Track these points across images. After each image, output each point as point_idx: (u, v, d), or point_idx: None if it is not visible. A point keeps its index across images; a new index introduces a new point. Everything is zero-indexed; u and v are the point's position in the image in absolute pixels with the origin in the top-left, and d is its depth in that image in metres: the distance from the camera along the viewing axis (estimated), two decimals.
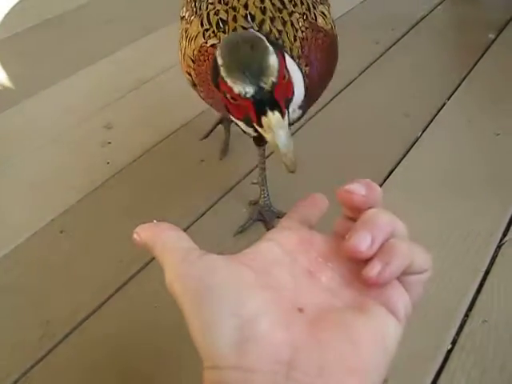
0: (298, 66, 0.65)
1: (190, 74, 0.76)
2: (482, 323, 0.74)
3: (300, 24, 0.70)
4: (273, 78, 0.55)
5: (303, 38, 0.69)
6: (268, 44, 0.56)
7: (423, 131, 1.12)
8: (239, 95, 0.56)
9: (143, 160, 1.09)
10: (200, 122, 1.17)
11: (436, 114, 1.17)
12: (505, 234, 0.87)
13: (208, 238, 0.89)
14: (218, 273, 0.32)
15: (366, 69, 1.34)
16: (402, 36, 1.49)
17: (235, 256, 0.35)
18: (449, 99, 1.22)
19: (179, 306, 0.32)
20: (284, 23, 0.69)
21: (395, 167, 1.03)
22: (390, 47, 1.44)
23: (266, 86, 0.55)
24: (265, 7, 0.70)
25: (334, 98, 1.23)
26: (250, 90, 0.55)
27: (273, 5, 0.71)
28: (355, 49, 1.37)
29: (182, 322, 0.32)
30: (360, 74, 1.32)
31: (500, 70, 1.31)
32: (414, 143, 1.09)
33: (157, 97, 1.28)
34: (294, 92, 0.60)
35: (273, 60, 0.55)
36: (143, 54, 1.46)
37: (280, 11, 0.70)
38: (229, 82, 0.56)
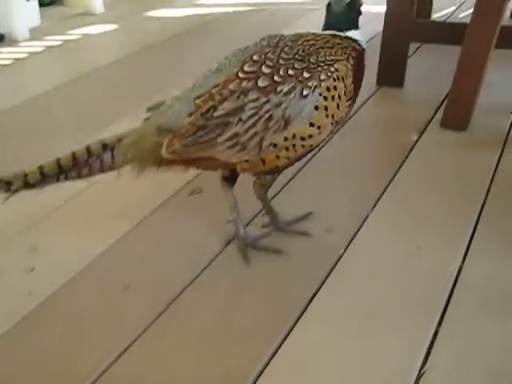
0: None
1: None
2: None
3: None
4: None
5: None
6: None
7: (346, 247, 1.12)
8: None
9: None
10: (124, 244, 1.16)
11: (359, 228, 1.17)
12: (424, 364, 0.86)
13: None
14: None
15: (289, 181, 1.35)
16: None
17: None
18: (372, 209, 1.23)
19: None
20: None
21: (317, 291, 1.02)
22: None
23: None
24: None
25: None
26: None
27: None
28: None
29: None
30: (282, 188, 1.32)
31: (422, 175, 1.35)
32: (336, 263, 1.09)
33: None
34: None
35: None
36: None
37: None
38: None
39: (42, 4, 3.08)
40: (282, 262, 1.09)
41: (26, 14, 2.63)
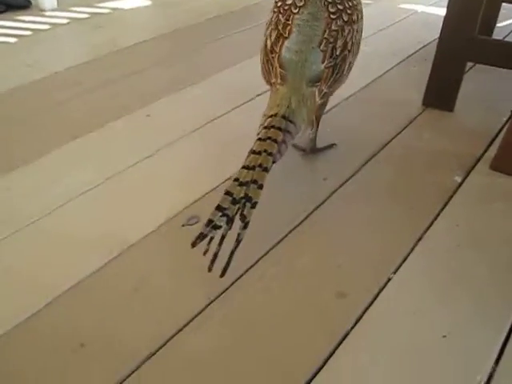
0: None
1: None
2: None
3: None
4: None
5: None
6: None
7: (358, 320, 0.91)
8: None
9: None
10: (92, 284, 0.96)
11: (377, 295, 0.96)
12: None
13: None
14: None
15: (292, 230, 1.14)
16: (355, 172, 1.29)
17: None
18: (396, 272, 1.01)
19: None
20: None
21: (318, 371, 0.83)
22: (340, 187, 1.24)
23: None
24: None
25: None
26: None
27: None
28: (299, 186, 1.22)
29: None
30: (290, 232, 1.11)
31: (463, 231, 1.13)
32: (345, 337, 0.89)
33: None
34: None
35: None
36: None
37: None
38: None
39: None
40: (284, 330, 0.90)
41: None
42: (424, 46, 2.01)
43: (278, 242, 1.07)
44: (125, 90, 1.67)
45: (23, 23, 2.24)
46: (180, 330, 0.89)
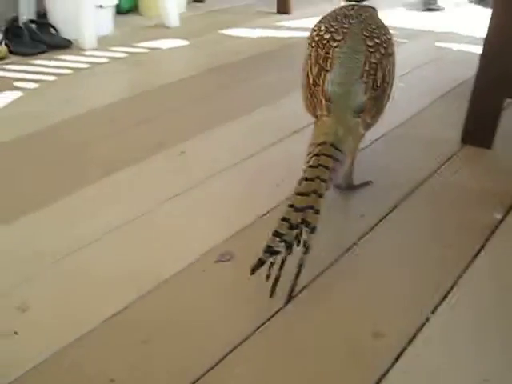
0: None
1: None
2: None
3: None
4: None
5: None
6: None
7: (396, 360, 0.88)
8: None
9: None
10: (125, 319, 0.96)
11: (414, 336, 0.93)
12: None
13: None
14: None
15: (327, 268, 1.11)
16: (392, 209, 1.27)
17: None
18: (434, 312, 0.98)
19: None
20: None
21: None
22: (377, 224, 1.22)
23: None
24: None
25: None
26: None
27: None
28: (335, 222, 1.21)
29: None
30: (327, 268, 1.09)
31: (504, 270, 1.10)
32: (381, 379, 0.86)
33: None
34: None
35: None
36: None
37: None
38: None
39: (119, 11, 2.98)
40: (318, 369, 0.87)
41: (96, 22, 2.49)
42: (461, 84, 1.99)
43: (315, 278, 1.05)
44: (160, 127, 1.68)
45: (63, 62, 2.29)
46: (211, 368, 0.87)
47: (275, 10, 3.12)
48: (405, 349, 0.91)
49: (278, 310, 0.98)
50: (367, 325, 0.95)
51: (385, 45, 1.13)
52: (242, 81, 2.09)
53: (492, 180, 1.39)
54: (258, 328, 0.93)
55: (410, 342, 0.92)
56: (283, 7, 3.09)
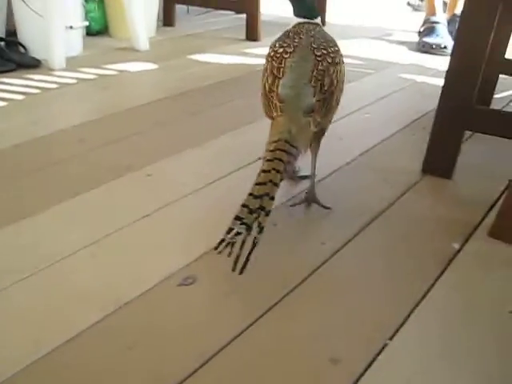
0: None
1: None
2: None
3: None
4: None
5: None
6: None
7: None
8: None
9: None
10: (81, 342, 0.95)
11: (371, 362, 0.95)
12: None
13: None
14: None
15: (286, 295, 1.14)
16: (353, 237, 1.30)
17: None
18: (391, 339, 1.00)
19: None
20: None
21: None
22: (337, 251, 1.24)
23: None
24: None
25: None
26: None
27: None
28: (296, 249, 1.24)
29: None
30: (285, 296, 1.11)
31: (458, 302, 1.13)
32: None
33: None
34: None
35: None
36: None
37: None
38: None
39: (89, 33, 2.99)
40: None
41: (66, 43, 2.50)
42: (423, 115, 2.04)
43: (277, 303, 1.06)
44: (127, 149, 1.69)
45: (31, 81, 2.28)
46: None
47: (244, 37, 3.16)
48: (362, 374, 0.92)
49: (241, 332, 0.98)
50: (324, 351, 0.96)
51: (332, 55, 1.24)
52: (210, 106, 2.11)
53: (451, 210, 1.43)
54: (216, 353, 0.94)
55: (368, 367, 0.94)
56: (252, 34, 3.14)
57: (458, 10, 3.13)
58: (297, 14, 1.32)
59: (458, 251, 1.26)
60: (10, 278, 1.09)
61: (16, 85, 2.25)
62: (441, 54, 2.97)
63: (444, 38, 3.05)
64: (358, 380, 0.92)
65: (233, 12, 3.73)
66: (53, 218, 1.31)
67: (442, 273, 1.18)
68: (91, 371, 0.91)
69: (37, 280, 1.10)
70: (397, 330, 1.02)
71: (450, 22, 3.20)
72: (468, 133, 1.76)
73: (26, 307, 1.03)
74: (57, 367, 0.91)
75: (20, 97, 2.12)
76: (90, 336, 0.97)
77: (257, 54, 2.84)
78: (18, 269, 1.12)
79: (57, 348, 0.94)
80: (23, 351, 0.93)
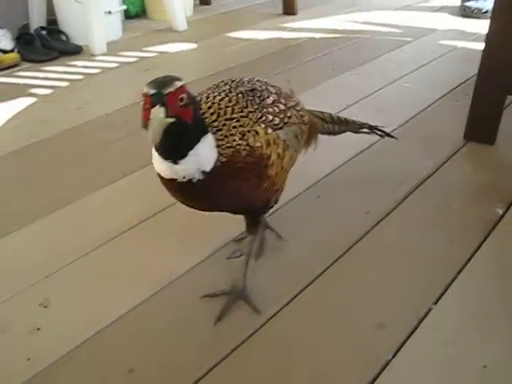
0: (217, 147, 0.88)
1: None
2: None
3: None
4: (170, 89, 0.82)
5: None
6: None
7: (397, 351, 0.92)
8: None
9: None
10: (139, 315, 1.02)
11: (416, 327, 0.97)
12: None
13: None
14: None
15: (334, 262, 1.16)
16: (397, 205, 1.31)
17: None
18: (436, 303, 1.02)
19: None
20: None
21: None
22: (382, 219, 1.26)
23: (163, 91, 0.82)
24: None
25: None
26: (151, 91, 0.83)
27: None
28: (341, 219, 1.26)
29: None
30: (325, 270, 1.13)
31: (504, 264, 1.13)
32: (384, 368, 0.90)
33: None
34: (192, 119, 0.84)
35: (177, 83, 0.84)
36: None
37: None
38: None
39: (127, 16, 3.03)
40: (323, 360, 0.93)
41: (106, 28, 2.55)
42: (465, 81, 2.02)
43: (320, 274, 1.09)
44: None
45: (75, 68, 2.35)
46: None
47: (281, 12, 3.15)
48: (407, 338, 0.95)
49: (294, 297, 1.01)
50: (371, 317, 0.99)
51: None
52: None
53: (494, 175, 1.42)
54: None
55: (412, 332, 0.96)
56: (289, 8, 3.13)
57: None
58: None
59: (502, 216, 1.26)
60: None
61: (60, 72, 2.31)
62: (482, 18, 2.91)
63: (485, 2, 3.00)
64: (403, 344, 0.95)
65: None
66: (103, 199, 1.36)
67: (486, 238, 1.19)
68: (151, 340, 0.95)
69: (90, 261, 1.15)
70: (441, 295, 1.04)
71: None
72: (510, 98, 1.74)
73: (87, 285, 1.08)
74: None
75: (64, 83, 2.18)
76: (145, 309, 1.02)
77: (294, 28, 2.83)
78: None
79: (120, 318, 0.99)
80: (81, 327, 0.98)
